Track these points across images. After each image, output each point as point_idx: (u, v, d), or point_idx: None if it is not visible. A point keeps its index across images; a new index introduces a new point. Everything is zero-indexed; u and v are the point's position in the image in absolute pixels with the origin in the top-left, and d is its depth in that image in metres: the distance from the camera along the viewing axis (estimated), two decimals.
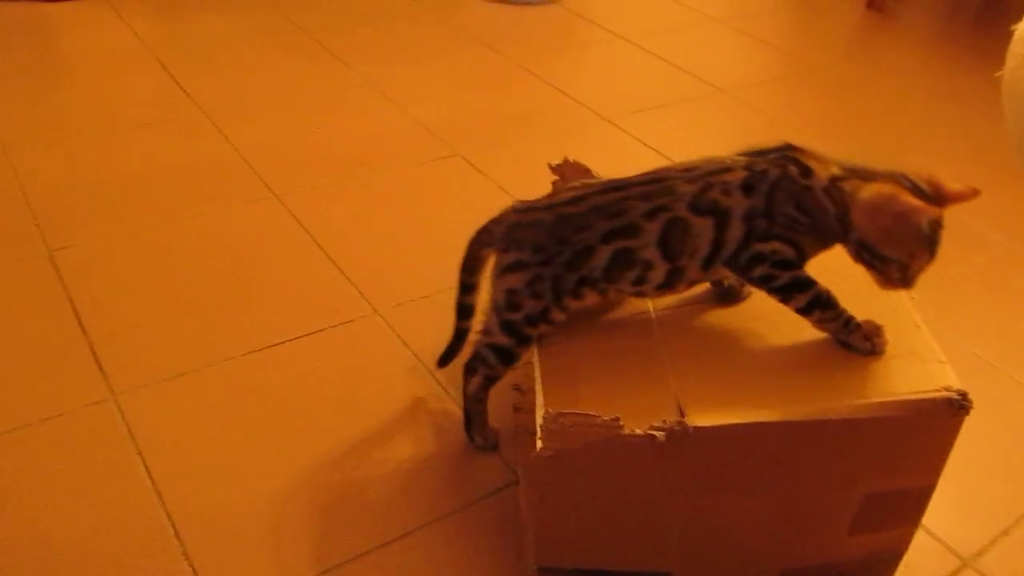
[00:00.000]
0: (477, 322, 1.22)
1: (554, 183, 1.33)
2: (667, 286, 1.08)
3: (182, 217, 1.76)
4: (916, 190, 0.99)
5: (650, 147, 2.06)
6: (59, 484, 1.21)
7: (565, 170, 1.31)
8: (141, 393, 1.35)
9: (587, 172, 1.32)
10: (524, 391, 1.30)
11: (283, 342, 1.45)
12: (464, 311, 1.23)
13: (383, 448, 1.28)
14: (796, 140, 1.07)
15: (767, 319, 1.10)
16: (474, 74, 2.40)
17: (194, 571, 1.10)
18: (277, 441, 1.28)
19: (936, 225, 0.98)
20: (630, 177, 1.09)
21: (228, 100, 2.19)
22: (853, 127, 2.22)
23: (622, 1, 2.96)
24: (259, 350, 1.43)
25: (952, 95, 2.41)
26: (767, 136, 2.29)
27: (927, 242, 0.98)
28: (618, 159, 2.01)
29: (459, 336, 1.25)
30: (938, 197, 0.99)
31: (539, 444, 0.97)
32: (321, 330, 1.48)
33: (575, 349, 1.10)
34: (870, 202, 1.00)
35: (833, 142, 2.14)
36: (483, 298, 1.19)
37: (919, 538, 1.10)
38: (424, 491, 1.21)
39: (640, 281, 1.08)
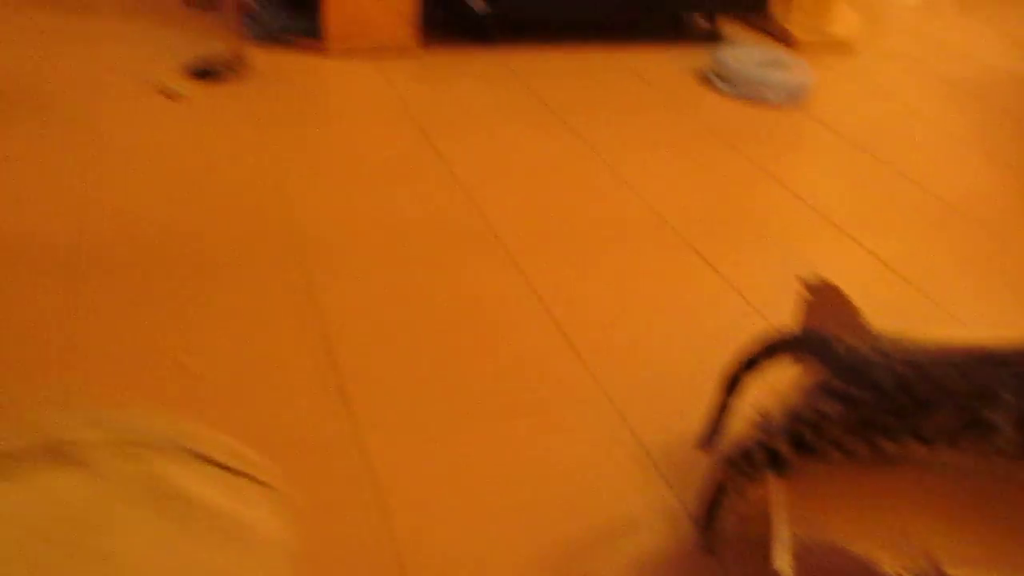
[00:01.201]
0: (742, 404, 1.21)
1: (806, 301, 1.34)
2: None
3: (430, 271, 1.89)
4: None
5: (883, 262, 2.03)
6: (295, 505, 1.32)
7: (820, 292, 1.32)
8: (383, 433, 1.45)
9: (839, 294, 1.32)
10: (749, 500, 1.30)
11: (515, 413, 1.53)
12: (737, 386, 1.20)
13: (602, 537, 1.31)
14: None
15: None
16: (710, 168, 2.45)
17: None
18: (503, 507, 1.34)
19: None
20: (1003, 348, 1.06)
21: (476, 166, 2.34)
22: None
23: (865, 113, 2.93)
24: (492, 416, 1.51)
25: None
26: (1002, 263, 2.18)
27: None
28: (848, 271, 1.99)
29: (724, 411, 1.23)
30: None
31: (780, 564, 0.98)
32: (548, 403, 1.55)
33: (818, 475, 1.10)
34: None
35: None
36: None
37: None
38: None
39: (988, 446, 1.03)
